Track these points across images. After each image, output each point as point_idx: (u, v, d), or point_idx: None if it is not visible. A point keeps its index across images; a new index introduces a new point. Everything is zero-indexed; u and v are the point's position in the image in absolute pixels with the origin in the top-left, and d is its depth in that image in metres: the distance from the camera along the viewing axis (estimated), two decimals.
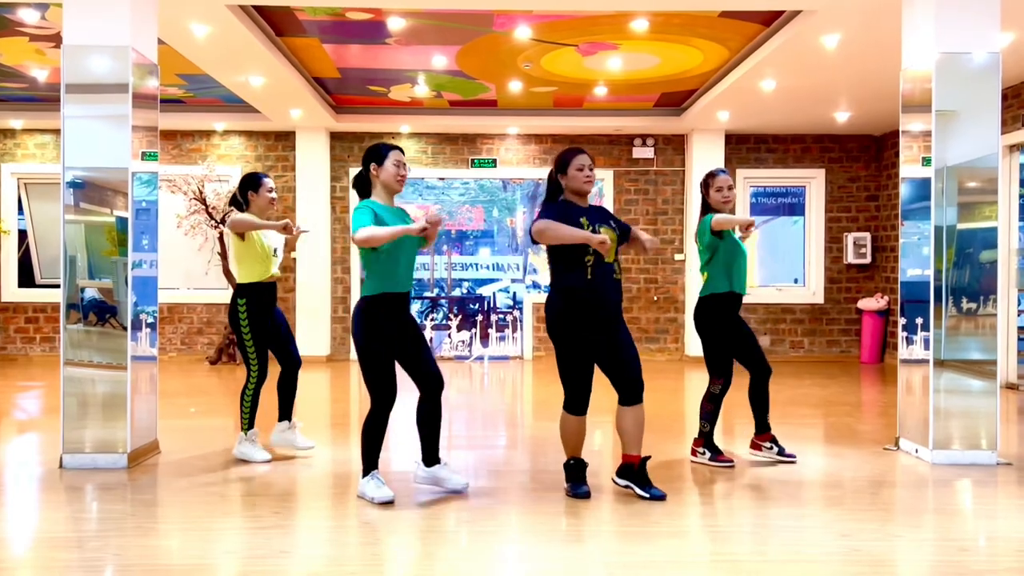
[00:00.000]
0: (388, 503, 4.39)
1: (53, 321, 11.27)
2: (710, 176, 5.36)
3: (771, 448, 5.42)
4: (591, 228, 4.40)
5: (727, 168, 11.45)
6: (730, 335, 5.28)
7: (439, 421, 4.62)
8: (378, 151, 4.55)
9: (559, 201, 4.56)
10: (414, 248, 4.55)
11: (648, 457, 4.60)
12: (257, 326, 5.38)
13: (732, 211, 5.37)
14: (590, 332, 4.41)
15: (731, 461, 5.31)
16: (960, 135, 5.51)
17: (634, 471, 4.54)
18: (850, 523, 4.16)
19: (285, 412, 5.63)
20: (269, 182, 5.59)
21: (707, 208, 5.36)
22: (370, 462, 4.48)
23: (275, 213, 5.58)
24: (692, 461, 5.40)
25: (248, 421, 5.44)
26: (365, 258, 4.46)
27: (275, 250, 5.52)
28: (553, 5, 6.69)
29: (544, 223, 4.36)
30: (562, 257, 4.44)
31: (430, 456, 4.65)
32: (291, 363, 5.58)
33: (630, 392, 4.47)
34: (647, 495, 4.47)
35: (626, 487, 4.59)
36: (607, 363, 4.46)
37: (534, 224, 4.40)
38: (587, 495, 4.53)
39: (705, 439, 5.37)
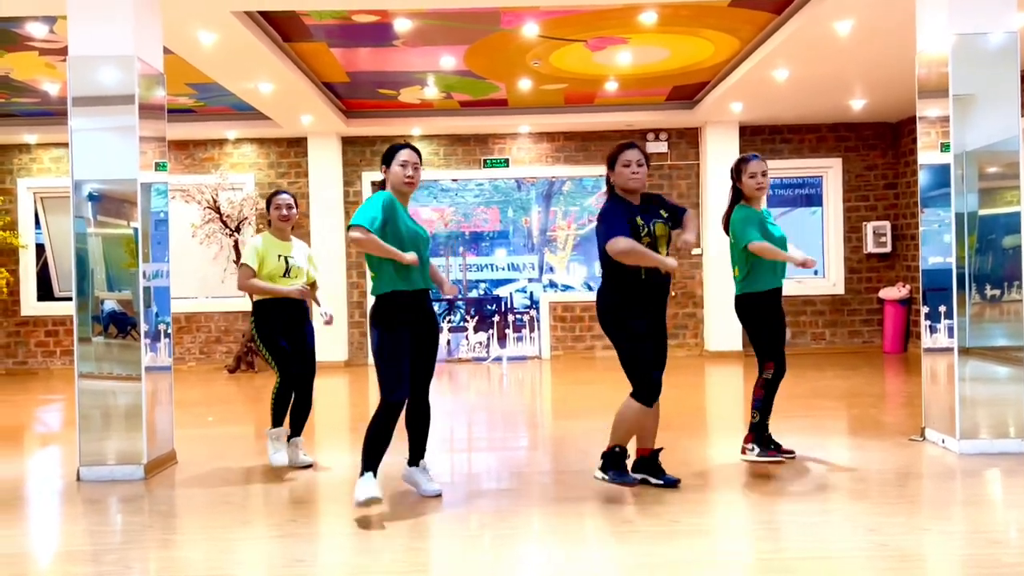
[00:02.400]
0: (363, 503, 4.14)
1: (72, 334, 11.31)
2: (742, 162, 5.08)
3: (752, 450, 5.05)
4: (645, 228, 4.39)
5: None
6: (771, 324, 5.06)
7: (428, 423, 4.62)
8: (388, 152, 4.49)
9: (616, 201, 4.50)
10: (424, 248, 4.46)
11: (661, 448, 4.69)
12: (269, 340, 5.34)
13: (764, 198, 5.15)
14: (644, 323, 4.44)
15: (791, 453, 5.14)
16: (979, 119, 5.40)
17: (646, 460, 4.69)
18: (877, 517, 4.07)
19: (292, 427, 5.48)
20: (281, 198, 5.48)
21: (738, 196, 5.10)
22: (367, 462, 4.28)
23: (288, 226, 5.50)
24: (742, 459, 5.10)
25: (273, 419, 5.42)
26: (370, 257, 4.38)
27: (287, 271, 5.39)
28: (559, 0, 6.63)
29: (626, 245, 4.27)
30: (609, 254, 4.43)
31: (414, 456, 4.66)
32: (302, 379, 5.43)
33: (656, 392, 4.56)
34: (661, 482, 4.61)
35: (642, 480, 4.64)
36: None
37: (612, 242, 4.28)
38: (635, 482, 4.57)
39: (756, 432, 5.05)
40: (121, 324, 5.40)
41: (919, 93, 5.77)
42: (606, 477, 4.52)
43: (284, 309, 5.36)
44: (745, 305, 5.08)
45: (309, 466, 5.41)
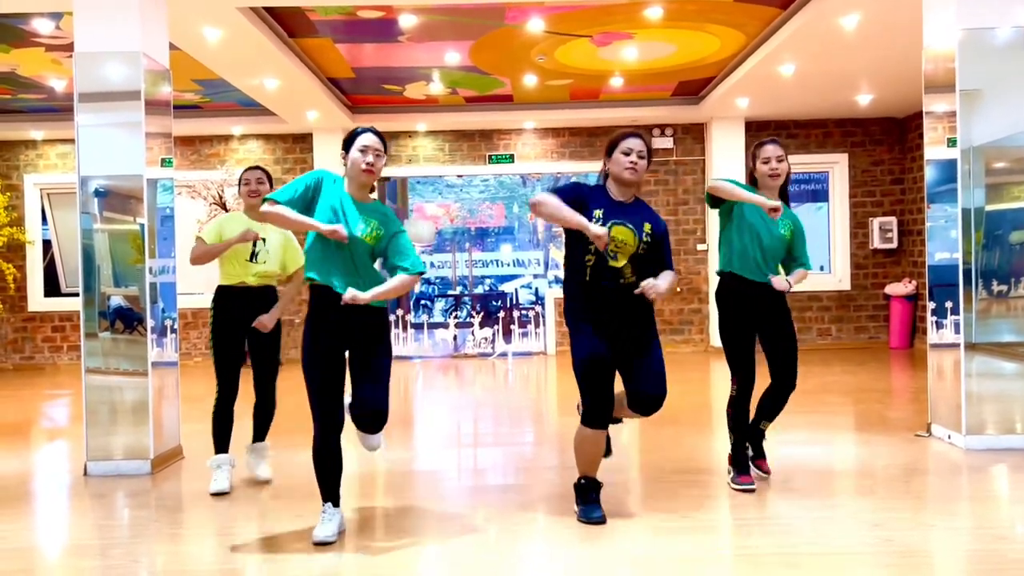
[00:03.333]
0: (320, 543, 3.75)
1: (80, 329, 11.36)
2: (758, 146, 4.59)
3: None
4: (601, 221, 3.82)
5: (748, 156, 11.34)
6: (733, 323, 4.48)
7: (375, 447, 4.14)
8: (348, 136, 3.87)
9: (595, 185, 4.05)
10: (355, 251, 3.72)
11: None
12: (221, 335, 4.72)
13: (782, 185, 4.55)
14: (588, 329, 3.88)
15: (751, 485, 4.48)
16: (986, 114, 5.38)
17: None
18: (882, 513, 4.06)
19: (254, 431, 4.99)
20: (248, 173, 4.85)
21: (753, 183, 4.61)
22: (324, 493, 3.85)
23: (258, 203, 4.62)
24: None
25: (215, 443, 4.80)
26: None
27: (253, 255, 4.72)
28: None
29: (544, 195, 3.86)
30: (567, 249, 3.98)
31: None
32: (258, 379, 4.90)
33: (646, 408, 3.96)
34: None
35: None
36: (623, 375, 3.98)
37: (536, 194, 3.96)
38: (602, 520, 3.94)
39: (732, 454, 4.59)
40: (127, 319, 5.41)
41: (926, 88, 5.75)
42: (575, 510, 4.05)
43: (247, 300, 4.72)
44: (718, 288, 4.62)
45: (267, 481, 4.85)
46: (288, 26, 7.50)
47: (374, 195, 3.95)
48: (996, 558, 3.48)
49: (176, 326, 5.78)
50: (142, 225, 5.40)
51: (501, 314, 11.98)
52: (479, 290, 13.33)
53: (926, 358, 5.94)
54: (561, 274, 13.84)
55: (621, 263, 3.88)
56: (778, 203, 4.26)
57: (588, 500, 4.00)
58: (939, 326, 5.71)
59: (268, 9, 6.98)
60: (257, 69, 8.19)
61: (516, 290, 13.65)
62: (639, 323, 3.95)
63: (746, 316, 4.47)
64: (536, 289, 13.35)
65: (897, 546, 3.62)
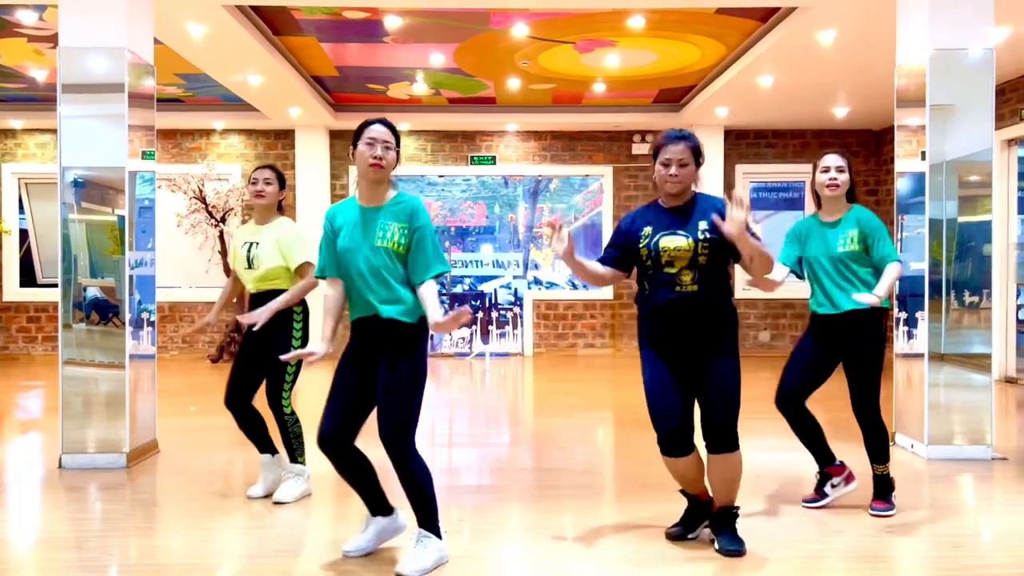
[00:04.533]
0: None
1: (55, 320, 11.30)
2: (819, 157, 4.34)
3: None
4: (646, 240, 3.63)
5: (727, 163, 11.47)
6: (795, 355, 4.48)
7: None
8: (357, 129, 3.63)
9: (646, 206, 3.82)
10: (363, 262, 3.45)
11: (735, 508, 3.79)
12: (240, 343, 4.62)
13: (848, 197, 4.32)
14: (650, 354, 3.68)
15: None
16: (956, 130, 5.52)
17: (713, 515, 3.81)
18: (845, 518, 4.18)
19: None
20: (256, 173, 4.58)
21: (817, 199, 4.40)
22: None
23: (264, 203, 4.55)
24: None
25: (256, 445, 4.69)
26: None
27: (249, 262, 4.50)
28: (549, 3, 6.70)
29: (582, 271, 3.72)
30: (638, 274, 3.77)
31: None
32: (268, 396, 4.57)
33: (709, 438, 3.63)
34: (716, 547, 3.74)
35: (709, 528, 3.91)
36: (693, 396, 3.70)
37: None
38: (681, 536, 3.87)
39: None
40: (103, 311, 5.43)
41: (898, 103, 5.89)
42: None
43: (252, 307, 4.52)
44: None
45: (282, 503, 4.48)
46: (273, 24, 7.53)
47: (392, 193, 3.57)
48: (951, 565, 3.60)
49: (154, 319, 5.80)
50: (121, 217, 5.42)
51: (479, 314, 12.05)
52: (458, 289, 13.38)
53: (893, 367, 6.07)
54: (540, 275, 13.71)
55: (677, 268, 3.58)
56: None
57: (684, 514, 3.90)
58: (910, 336, 5.84)
59: (254, 7, 7.00)
60: (241, 65, 8.21)
61: (495, 290, 13.71)
62: (708, 340, 3.61)
63: (819, 337, 4.36)
64: (515, 290, 13.42)
65: (856, 551, 3.73)
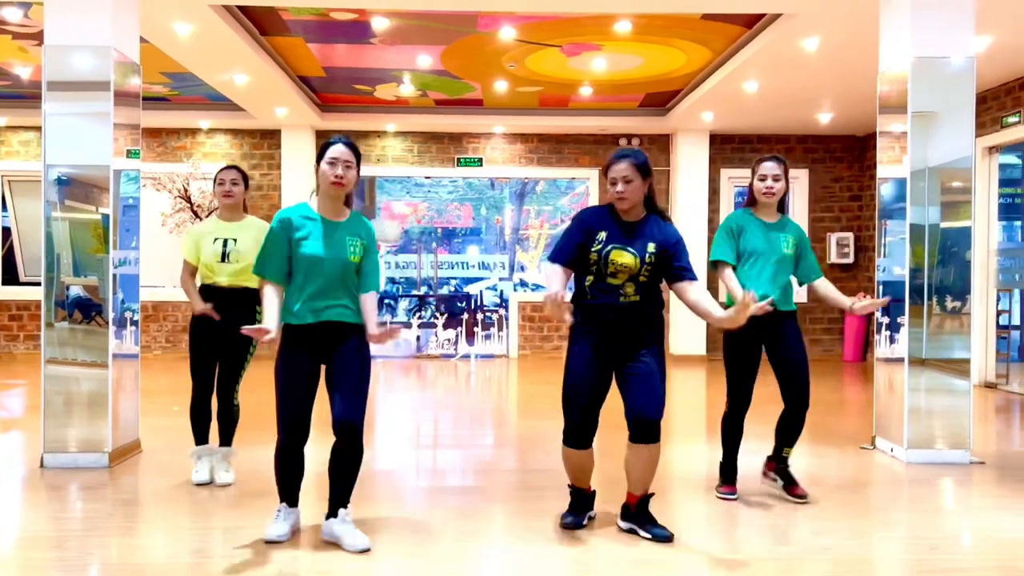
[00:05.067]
0: (272, 541, 3.79)
1: (37, 319, 11.21)
2: (757, 161, 4.52)
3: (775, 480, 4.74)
4: (597, 245, 3.80)
5: (712, 168, 11.53)
6: (735, 349, 4.54)
7: (347, 467, 3.76)
8: (321, 148, 3.79)
9: (601, 205, 3.98)
10: (343, 272, 3.68)
11: (651, 494, 3.98)
12: (195, 333, 4.74)
13: (778, 204, 4.55)
14: (583, 349, 3.88)
15: (733, 495, 4.60)
16: (937, 137, 5.58)
17: (631, 512, 3.99)
18: (824, 522, 4.21)
19: (220, 436, 4.90)
20: (223, 173, 4.79)
21: (752, 200, 4.57)
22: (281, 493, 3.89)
23: (232, 203, 4.77)
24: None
25: (194, 435, 4.86)
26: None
27: (224, 256, 4.65)
28: (536, 7, 6.73)
29: (547, 268, 3.88)
30: (576, 277, 3.95)
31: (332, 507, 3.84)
32: (221, 384, 4.80)
33: (636, 428, 3.84)
34: (649, 535, 3.90)
35: (628, 529, 4.01)
36: (622, 393, 3.91)
37: (544, 265, 4.03)
38: (572, 525, 4.04)
39: (721, 466, 4.69)
40: (86, 310, 5.40)
41: (880, 110, 5.95)
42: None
43: (220, 300, 4.65)
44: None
45: (227, 485, 4.75)
46: (260, 24, 7.53)
47: (348, 210, 3.82)
48: (928, 567, 3.64)
49: (137, 318, 5.78)
50: (106, 216, 5.40)
51: (465, 316, 12.06)
52: (444, 291, 13.39)
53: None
54: (527, 277, 13.69)
55: (620, 280, 3.81)
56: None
57: (570, 506, 4.14)
58: (892, 340, 5.90)
59: (240, 7, 7.00)
60: (227, 65, 8.19)
61: (481, 292, 13.73)
62: (641, 343, 3.85)
63: (753, 339, 4.45)
64: (501, 292, 13.44)
65: (834, 554, 3.77)
